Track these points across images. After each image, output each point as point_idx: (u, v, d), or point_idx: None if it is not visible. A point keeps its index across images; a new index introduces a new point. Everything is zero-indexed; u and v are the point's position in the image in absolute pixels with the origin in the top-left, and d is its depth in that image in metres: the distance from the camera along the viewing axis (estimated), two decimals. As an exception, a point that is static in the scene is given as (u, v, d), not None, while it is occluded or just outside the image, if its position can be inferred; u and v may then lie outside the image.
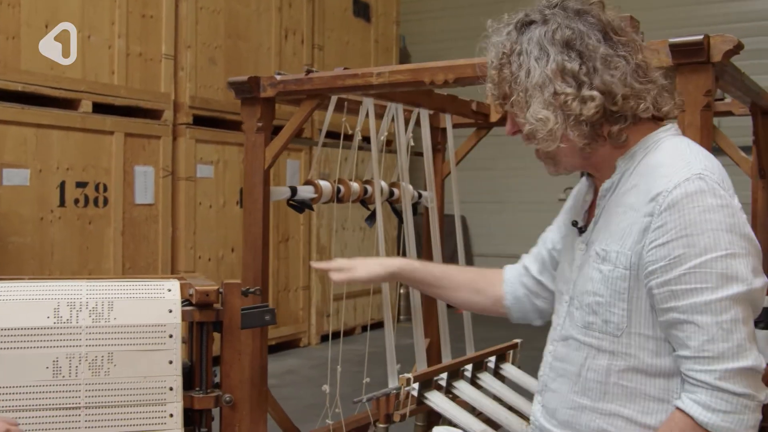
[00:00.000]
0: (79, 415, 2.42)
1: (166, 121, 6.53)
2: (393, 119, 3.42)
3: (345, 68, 2.99)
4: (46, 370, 2.40)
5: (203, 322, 2.55)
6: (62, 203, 5.80)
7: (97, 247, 6.05)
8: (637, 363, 1.65)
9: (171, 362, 2.46)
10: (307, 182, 3.35)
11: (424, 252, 3.94)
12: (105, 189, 6.10)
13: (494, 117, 3.82)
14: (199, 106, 6.74)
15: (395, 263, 2.25)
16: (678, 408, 1.59)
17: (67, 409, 2.42)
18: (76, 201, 5.89)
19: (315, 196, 3.33)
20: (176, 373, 2.47)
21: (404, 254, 3.46)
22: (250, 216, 3.11)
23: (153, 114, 6.47)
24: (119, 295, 2.49)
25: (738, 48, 2.42)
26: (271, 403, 3.27)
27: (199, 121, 6.78)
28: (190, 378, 2.60)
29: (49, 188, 5.71)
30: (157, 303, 2.49)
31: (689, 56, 2.31)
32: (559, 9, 1.72)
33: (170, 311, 2.48)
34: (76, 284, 2.49)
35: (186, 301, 2.55)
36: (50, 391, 2.40)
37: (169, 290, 2.52)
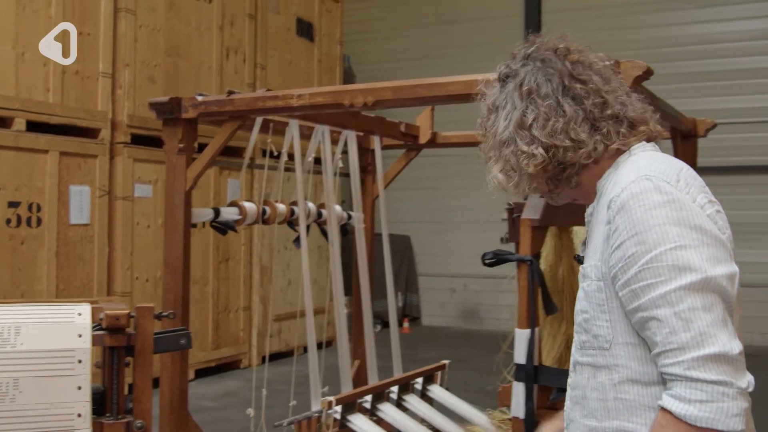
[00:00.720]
0: (-17, 443, 2.35)
1: (103, 139, 6.45)
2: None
3: (267, 90, 2.98)
4: (-51, 397, 2.33)
5: (114, 346, 2.49)
6: (-6, 223, 5.68)
7: (30, 268, 5.93)
8: (630, 373, 1.65)
9: (80, 388, 2.40)
10: (232, 203, 3.33)
11: (354, 271, 3.93)
12: (39, 209, 5.99)
13: (423, 138, 3.83)
14: (138, 125, 6.66)
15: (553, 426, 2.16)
16: (660, 407, 1.58)
17: (-30, 436, 2.35)
18: (8, 221, 5.77)
19: (239, 217, 3.31)
20: (85, 399, 2.41)
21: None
22: (170, 238, 3.07)
23: (89, 133, 6.38)
24: (27, 320, 2.43)
25: (647, 73, 2.46)
26: (192, 427, 3.21)
27: (138, 140, 6.70)
28: (102, 404, 2.54)
29: (-20, 208, 5.59)
30: (66, 328, 2.43)
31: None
32: (529, 60, 1.80)
33: (80, 336, 2.42)
34: (-18, 308, 2.43)
35: (98, 326, 2.50)
36: (-47, 419, 2.33)
37: (80, 314, 2.46)
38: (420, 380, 3.66)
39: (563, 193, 1.85)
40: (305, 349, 8.41)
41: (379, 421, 3.35)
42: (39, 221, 5.97)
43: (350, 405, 3.20)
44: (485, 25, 10.23)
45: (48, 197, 6.01)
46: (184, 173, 3.02)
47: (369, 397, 3.31)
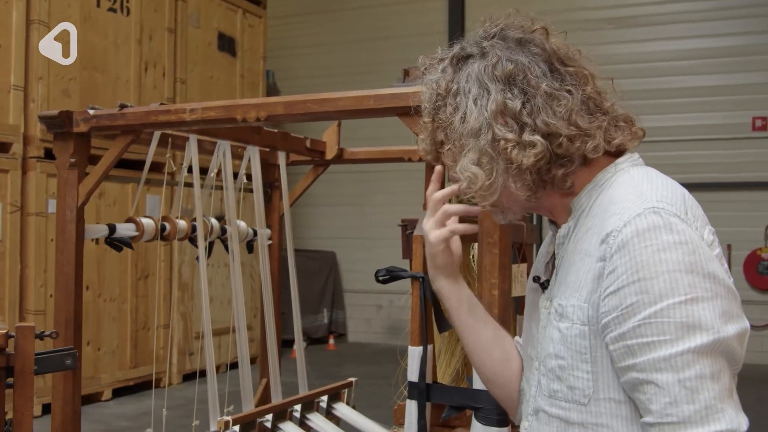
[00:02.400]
0: None
1: (15, 154, 6.29)
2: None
3: (161, 104, 2.93)
4: None
5: (-7, 367, 2.41)
6: None
7: (-65, 286, 5.75)
8: None
9: (-47, 410, 2.33)
10: (129, 220, 3.26)
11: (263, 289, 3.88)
12: (-55, 224, 5.82)
13: (330, 154, 3.82)
14: (51, 139, 6.50)
15: None
16: None
17: None
18: None
19: (136, 234, 3.24)
20: (-41, 422, 2.33)
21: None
22: (62, 255, 2.99)
23: (0, 147, 6.22)
24: None
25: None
26: (85, 450, 3.13)
27: (51, 154, 6.53)
28: (-18, 426, 2.46)
29: None
30: (-60, 348, 2.35)
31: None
32: (498, 39, 1.52)
33: (-45, 356, 2.34)
34: None
35: (-25, 346, 2.42)
36: None
37: (-45, 334, 2.39)
38: (325, 398, 3.62)
39: (543, 199, 1.57)
40: (227, 367, 8.34)
41: (280, 441, 3.31)
42: (-55, 238, 5.80)
43: (249, 424, 3.15)
44: (410, 42, 10.27)
45: (-45, 213, 5.85)
46: (76, 188, 2.95)
47: (269, 416, 3.26)
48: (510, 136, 1.45)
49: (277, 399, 3.57)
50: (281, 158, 3.73)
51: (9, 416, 2.47)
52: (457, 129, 1.51)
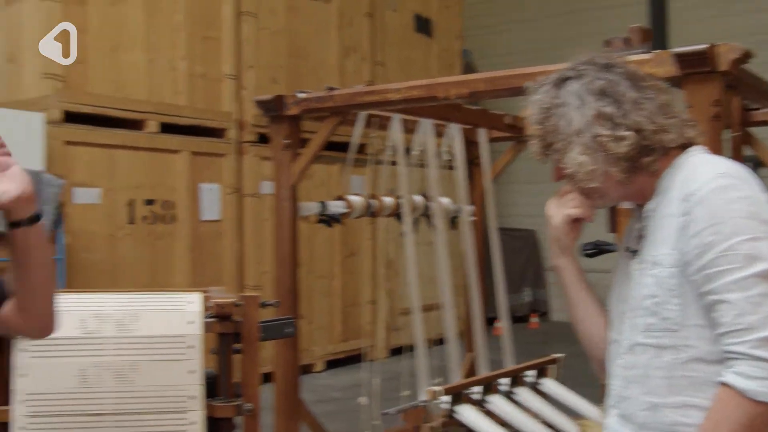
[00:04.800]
0: (105, 421, 2.54)
1: (230, 139, 6.70)
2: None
3: (368, 84, 3.05)
4: (75, 378, 2.53)
5: (224, 333, 2.63)
6: (131, 221, 6.00)
7: (166, 263, 6.24)
8: (697, 353, 1.79)
9: (191, 372, 2.56)
10: (339, 197, 3.42)
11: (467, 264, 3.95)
12: (172, 206, 6.29)
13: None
14: (263, 124, 6.83)
15: None
16: (721, 383, 1.72)
17: (93, 415, 2.54)
18: (145, 218, 6.10)
19: (346, 211, 3.39)
20: (197, 383, 2.56)
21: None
22: (280, 232, 3.19)
23: (217, 133, 6.65)
24: (143, 307, 2.60)
25: (746, 56, 2.38)
26: (305, 413, 3.33)
27: (264, 139, 6.91)
28: (215, 387, 2.68)
29: (118, 206, 5.92)
30: (178, 315, 2.59)
31: (695, 66, 2.30)
32: (589, 64, 1.93)
33: (190, 323, 2.58)
34: (103, 297, 2.62)
35: (210, 314, 2.64)
36: (78, 399, 2.53)
37: (190, 303, 2.62)
38: (531, 373, 3.64)
39: (635, 182, 1.92)
40: (434, 343, 8.48)
41: (488, 413, 3.36)
42: (173, 218, 6.27)
43: (457, 396, 3.22)
44: (610, 13, 9.96)
45: (181, 195, 6.32)
46: (290, 168, 3.13)
47: (478, 389, 3.32)
48: (607, 132, 1.86)
49: (483, 372, 3.63)
50: (481, 135, 3.77)
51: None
52: (564, 131, 1.89)
